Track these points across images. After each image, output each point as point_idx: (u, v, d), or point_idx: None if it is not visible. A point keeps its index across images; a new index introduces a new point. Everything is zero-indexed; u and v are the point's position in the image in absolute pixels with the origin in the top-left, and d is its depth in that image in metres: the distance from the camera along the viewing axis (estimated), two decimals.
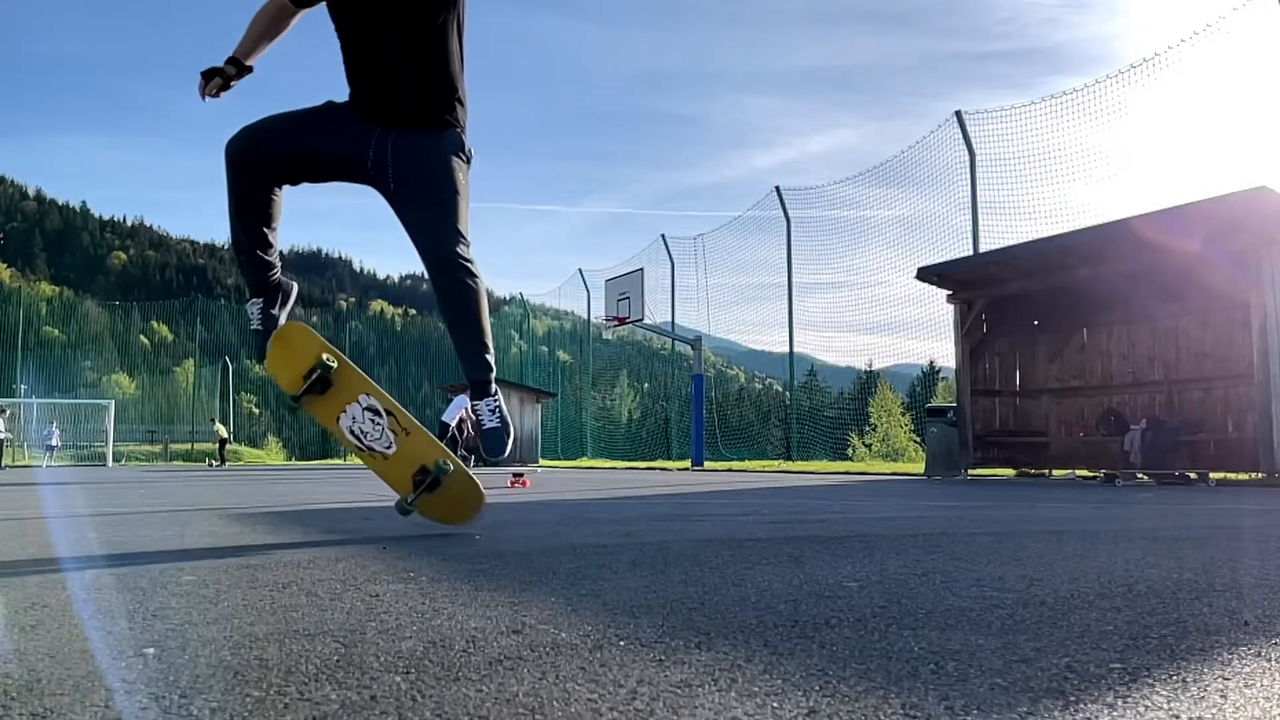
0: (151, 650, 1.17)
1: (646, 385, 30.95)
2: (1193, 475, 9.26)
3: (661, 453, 25.49)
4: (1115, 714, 0.87)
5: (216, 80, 2.83)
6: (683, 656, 1.12)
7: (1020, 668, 1.05)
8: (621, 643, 1.21)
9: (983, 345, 12.12)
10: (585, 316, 28.91)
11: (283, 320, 3.04)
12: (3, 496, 6.33)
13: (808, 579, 1.82)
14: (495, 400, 2.90)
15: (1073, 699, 0.92)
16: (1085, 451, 11.04)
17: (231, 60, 2.86)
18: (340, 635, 1.26)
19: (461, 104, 2.87)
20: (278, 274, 3.03)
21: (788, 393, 21.00)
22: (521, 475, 9.00)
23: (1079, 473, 11.12)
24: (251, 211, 2.85)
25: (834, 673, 1.03)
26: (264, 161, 2.81)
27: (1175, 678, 1.01)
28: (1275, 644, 1.19)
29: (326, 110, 2.87)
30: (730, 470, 16.50)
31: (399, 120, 2.81)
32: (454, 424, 16.00)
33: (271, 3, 2.85)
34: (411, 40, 2.73)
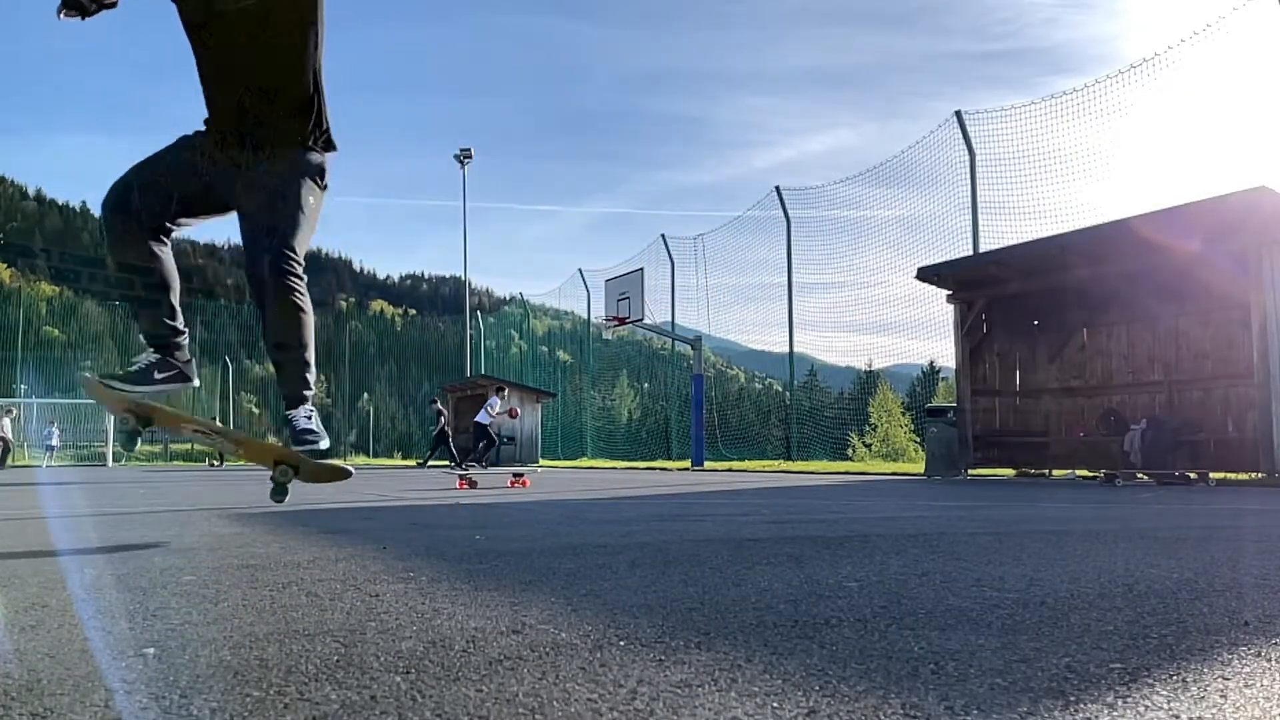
0: (151, 650, 1.17)
1: (647, 385, 30.95)
2: (1193, 475, 9.26)
3: (661, 453, 25.48)
4: (1115, 714, 0.87)
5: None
6: (683, 656, 1.12)
7: (1020, 668, 1.05)
8: (621, 643, 1.21)
9: (983, 345, 12.12)
10: (585, 316, 28.91)
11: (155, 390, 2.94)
12: (3, 497, 6.33)
13: (808, 579, 1.82)
14: (310, 408, 2.99)
15: (1073, 699, 0.92)
16: (1085, 451, 11.04)
17: None
18: (340, 635, 1.26)
19: (319, 125, 2.83)
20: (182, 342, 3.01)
21: (788, 393, 21.00)
22: (521, 475, 9.00)
23: (1079, 473, 11.12)
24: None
25: (834, 672, 1.03)
26: (142, 212, 2.78)
27: (1175, 678, 1.01)
28: (1275, 644, 1.19)
29: (181, 144, 2.83)
30: (730, 470, 16.49)
31: (257, 139, 2.77)
32: (488, 424, 16.03)
33: None
34: (269, 62, 2.70)
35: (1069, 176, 13.95)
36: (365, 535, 2.99)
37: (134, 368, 2.93)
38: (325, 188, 2.90)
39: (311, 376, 2.89)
